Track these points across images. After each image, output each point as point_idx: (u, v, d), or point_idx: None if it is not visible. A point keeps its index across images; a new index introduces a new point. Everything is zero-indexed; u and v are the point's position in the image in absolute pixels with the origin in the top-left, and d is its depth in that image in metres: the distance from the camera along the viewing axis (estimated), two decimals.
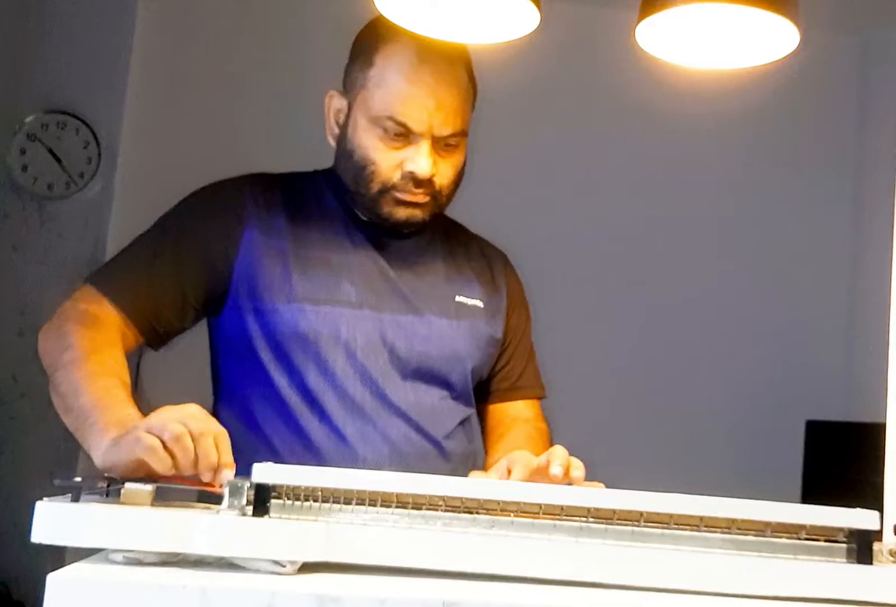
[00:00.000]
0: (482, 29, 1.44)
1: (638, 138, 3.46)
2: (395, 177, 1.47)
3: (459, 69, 1.50)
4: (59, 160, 3.08)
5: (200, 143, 3.20)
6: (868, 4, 3.30)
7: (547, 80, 3.36)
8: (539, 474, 1.31)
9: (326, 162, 1.61)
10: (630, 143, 3.49)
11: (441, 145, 1.48)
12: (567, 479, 1.30)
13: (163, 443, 1.09)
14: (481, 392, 1.67)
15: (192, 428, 1.10)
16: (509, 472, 1.33)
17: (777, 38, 1.37)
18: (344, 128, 1.53)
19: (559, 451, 1.32)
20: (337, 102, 1.55)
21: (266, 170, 1.61)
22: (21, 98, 3.08)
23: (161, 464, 1.09)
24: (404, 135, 1.46)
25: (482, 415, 1.69)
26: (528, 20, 1.36)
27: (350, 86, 1.53)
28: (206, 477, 1.11)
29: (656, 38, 1.40)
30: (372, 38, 1.51)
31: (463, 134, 1.50)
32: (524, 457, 1.35)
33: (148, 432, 1.09)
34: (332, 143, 1.56)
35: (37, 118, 3.08)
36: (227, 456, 1.12)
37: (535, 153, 3.46)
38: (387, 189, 1.48)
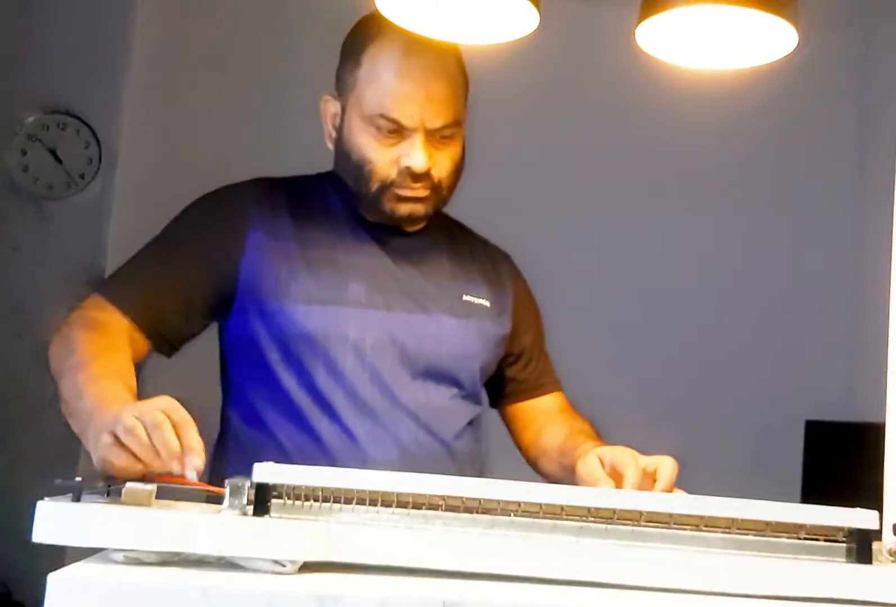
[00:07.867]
0: (482, 29, 1.44)
1: (638, 138, 3.46)
2: (393, 173, 1.48)
3: (449, 60, 1.51)
4: (59, 161, 3.07)
5: (201, 144, 3.19)
6: (870, 0, 3.30)
7: (547, 79, 3.36)
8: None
9: (327, 161, 1.62)
10: (630, 143, 3.49)
11: (436, 138, 1.48)
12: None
13: (117, 438, 1.08)
14: (503, 392, 1.68)
15: (146, 419, 1.08)
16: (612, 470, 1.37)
17: (776, 39, 1.37)
18: (340, 130, 1.53)
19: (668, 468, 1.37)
20: (332, 106, 1.55)
21: (268, 173, 1.61)
22: (21, 99, 3.08)
23: (120, 460, 1.08)
24: (397, 131, 1.46)
25: (508, 415, 1.70)
26: (527, 21, 1.36)
27: (342, 88, 1.53)
28: (174, 468, 1.07)
29: (656, 38, 1.40)
30: (358, 38, 1.52)
31: (457, 124, 1.50)
32: (631, 456, 1.38)
33: (105, 430, 1.09)
34: (331, 146, 1.56)
35: (37, 119, 3.08)
36: (192, 441, 1.08)
37: (534, 153, 3.46)
38: (386, 186, 1.48)
